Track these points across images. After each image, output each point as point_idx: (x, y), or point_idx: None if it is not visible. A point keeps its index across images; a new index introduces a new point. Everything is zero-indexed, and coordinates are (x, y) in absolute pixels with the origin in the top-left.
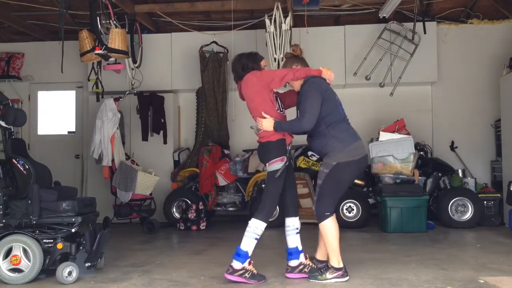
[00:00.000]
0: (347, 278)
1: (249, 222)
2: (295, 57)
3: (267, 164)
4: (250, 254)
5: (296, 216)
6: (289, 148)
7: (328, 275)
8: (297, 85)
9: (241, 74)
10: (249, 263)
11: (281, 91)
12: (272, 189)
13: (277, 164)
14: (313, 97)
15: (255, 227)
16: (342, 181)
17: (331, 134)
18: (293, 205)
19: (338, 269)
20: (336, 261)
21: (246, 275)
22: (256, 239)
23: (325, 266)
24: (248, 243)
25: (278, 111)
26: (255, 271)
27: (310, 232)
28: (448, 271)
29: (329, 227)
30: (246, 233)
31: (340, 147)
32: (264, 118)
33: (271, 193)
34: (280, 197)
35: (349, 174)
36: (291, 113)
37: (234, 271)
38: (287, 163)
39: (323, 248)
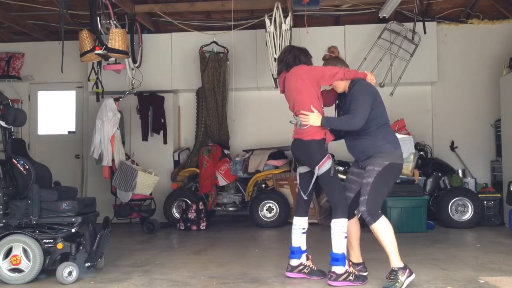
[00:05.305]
0: (414, 275)
1: (331, 225)
2: (336, 59)
3: (317, 168)
4: (345, 254)
5: (305, 216)
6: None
7: (401, 278)
8: (342, 85)
9: (292, 65)
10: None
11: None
12: (334, 187)
13: (327, 164)
14: (365, 97)
15: (341, 226)
16: (391, 181)
17: (382, 135)
18: (306, 205)
19: (405, 268)
20: (399, 261)
21: (350, 277)
22: (345, 237)
23: (392, 271)
24: (339, 245)
25: (323, 108)
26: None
27: (310, 232)
28: (448, 271)
29: (384, 228)
30: (333, 236)
31: (391, 148)
32: (312, 112)
33: (336, 191)
34: (298, 194)
35: (396, 176)
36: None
37: (338, 276)
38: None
39: (356, 250)
